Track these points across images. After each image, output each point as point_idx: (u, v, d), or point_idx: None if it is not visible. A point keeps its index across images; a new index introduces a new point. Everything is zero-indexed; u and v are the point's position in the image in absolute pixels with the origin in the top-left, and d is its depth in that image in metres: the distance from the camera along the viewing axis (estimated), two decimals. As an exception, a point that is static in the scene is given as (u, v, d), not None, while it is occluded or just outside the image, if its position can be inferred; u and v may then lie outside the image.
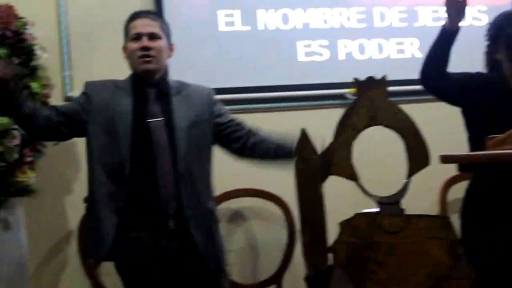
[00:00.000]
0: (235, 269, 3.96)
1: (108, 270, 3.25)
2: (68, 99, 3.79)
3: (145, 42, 2.90)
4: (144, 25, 2.93)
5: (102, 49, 3.85)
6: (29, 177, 3.55)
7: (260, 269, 4.11)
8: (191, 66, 3.70)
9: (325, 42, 4.27)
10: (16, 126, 3.39)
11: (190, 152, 2.89)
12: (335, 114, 3.62)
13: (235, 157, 3.11)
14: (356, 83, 2.82)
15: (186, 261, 2.88)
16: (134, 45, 2.92)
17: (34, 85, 3.51)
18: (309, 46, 4.25)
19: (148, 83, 2.95)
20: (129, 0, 3.82)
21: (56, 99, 3.68)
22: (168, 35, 3.03)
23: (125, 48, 3.00)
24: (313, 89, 4.20)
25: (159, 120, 2.88)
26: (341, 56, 4.29)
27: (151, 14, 3.03)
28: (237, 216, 4.11)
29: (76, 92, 3.62)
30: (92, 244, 2.90)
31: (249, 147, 3.04)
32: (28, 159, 3.56)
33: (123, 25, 3.20)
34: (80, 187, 3.47)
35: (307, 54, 4.25)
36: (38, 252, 3.88)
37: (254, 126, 3.16)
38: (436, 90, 2.94)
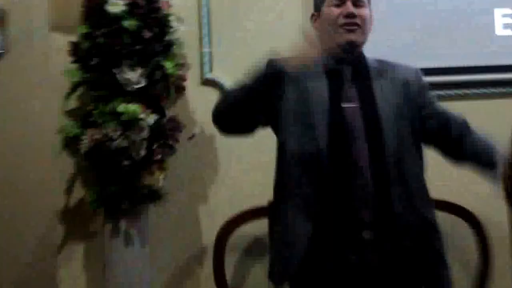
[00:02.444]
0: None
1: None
2: (206, 82, 3.48)
3: (350, 8, 2.66)
4: None
5: (247, 23, 3.54)
6: (157, 179, 3.29)
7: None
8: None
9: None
10: (143, 116, 3.18)
11: (400, 148, 2.61)
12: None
13: (447, 159, 2.77)
14: None
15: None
16: (335, 11, 2.67)
17: (168, 65, 3.22)
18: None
19: (344, 59, 2.69)
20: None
21: (192, 83, 3.41)
22: (370, 3, 2.78)
23: (315, 16, 2.77)
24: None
25: (354, 106, 2.61)
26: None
27: None
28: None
29: (216, 73, 3.45)
30: (276, 260, 2.66)
31: (466, 151, 2.71)
32: (157, 156, 3.28)
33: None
34: (219, 192, 3.37)
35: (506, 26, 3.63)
36: (163, 273, 3.52)
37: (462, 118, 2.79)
38: None
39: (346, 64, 2.68)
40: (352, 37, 2.67)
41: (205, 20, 3.49)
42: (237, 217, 3.14)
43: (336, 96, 2.62)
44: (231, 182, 3.41)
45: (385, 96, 2.65)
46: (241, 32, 3.51)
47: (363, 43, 2.72)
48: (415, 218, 2.58)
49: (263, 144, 2.99)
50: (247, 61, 3.18)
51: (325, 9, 2.72)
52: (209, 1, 3.50)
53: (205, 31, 3.50)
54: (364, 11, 2.70)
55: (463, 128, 2.72)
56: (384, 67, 2.73)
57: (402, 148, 2.61)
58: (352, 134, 2.58)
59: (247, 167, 3.40)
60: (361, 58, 2.72)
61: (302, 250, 2.54)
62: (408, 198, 2.58)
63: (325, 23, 2.71)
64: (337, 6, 2.68)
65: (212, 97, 3.26)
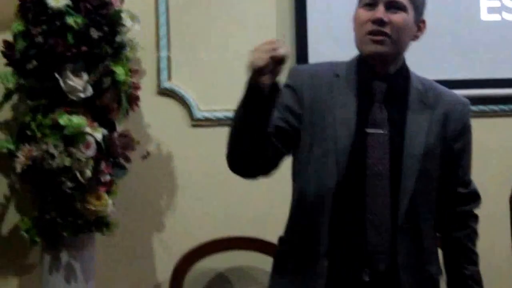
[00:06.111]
0: None
1: None
2: (164, 91, 3.34)
3: (380, 12, 2.36)
4: None
5: (212, 22, 3.34)
6: (105, 204, 3.14)
7: None
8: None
9: None
10: (89, 130, 3.08)
11: (418, 192, 2.40)
12: None
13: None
14: None
15: None
16: (364, 14, 2.39)
17: (119, 71, 3.08)
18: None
19: (377, 73, 2.43)
20: None
21: (147, 92, 3.23)
22: (418, 8, 2.45)
23: (355, 18, 2.49)
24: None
25: (382, 133, 2.39)
26: None
27: None
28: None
29: (175, 81, 3.30)
30: None
31: (449, 244, 2.52)
32: (106, 178, 3.16)
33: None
34: (176, 221, 3.21)
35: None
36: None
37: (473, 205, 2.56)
38: None
39: (379, 79, 2.42)
40: (378, 48, 2.37)
41: (162, 19, 3.30)
42: (197, 250, 3.08)
43: (362, 118, 2.38)
44: (190, 209, 3.27)
45: (417, 128, 2.40)
46: (205, 33, 3.34)
47: (395, 56, 2.43)
48: (419, 276, 2.42)
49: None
50: (211, 68, 3.22)
51: (357, 9, 2.45)
52: (168, -4, 3.36)
53: (162, 31, 3.33)
54: (399, 17, 2.39)
55: (467, 219, 2.52)
56: (428, 91, 2.47)
57: (420, 194, 2.40)
58: (371, 169, 2.36)
59: (208, 192, 3.28)
60: (400, 75, 2.45)
61: None
62: (416, 251, 2.42)
63: (355, 28, 2.43)
64: (368, 7, 2.40)
65: (170, 109, 3.27)
